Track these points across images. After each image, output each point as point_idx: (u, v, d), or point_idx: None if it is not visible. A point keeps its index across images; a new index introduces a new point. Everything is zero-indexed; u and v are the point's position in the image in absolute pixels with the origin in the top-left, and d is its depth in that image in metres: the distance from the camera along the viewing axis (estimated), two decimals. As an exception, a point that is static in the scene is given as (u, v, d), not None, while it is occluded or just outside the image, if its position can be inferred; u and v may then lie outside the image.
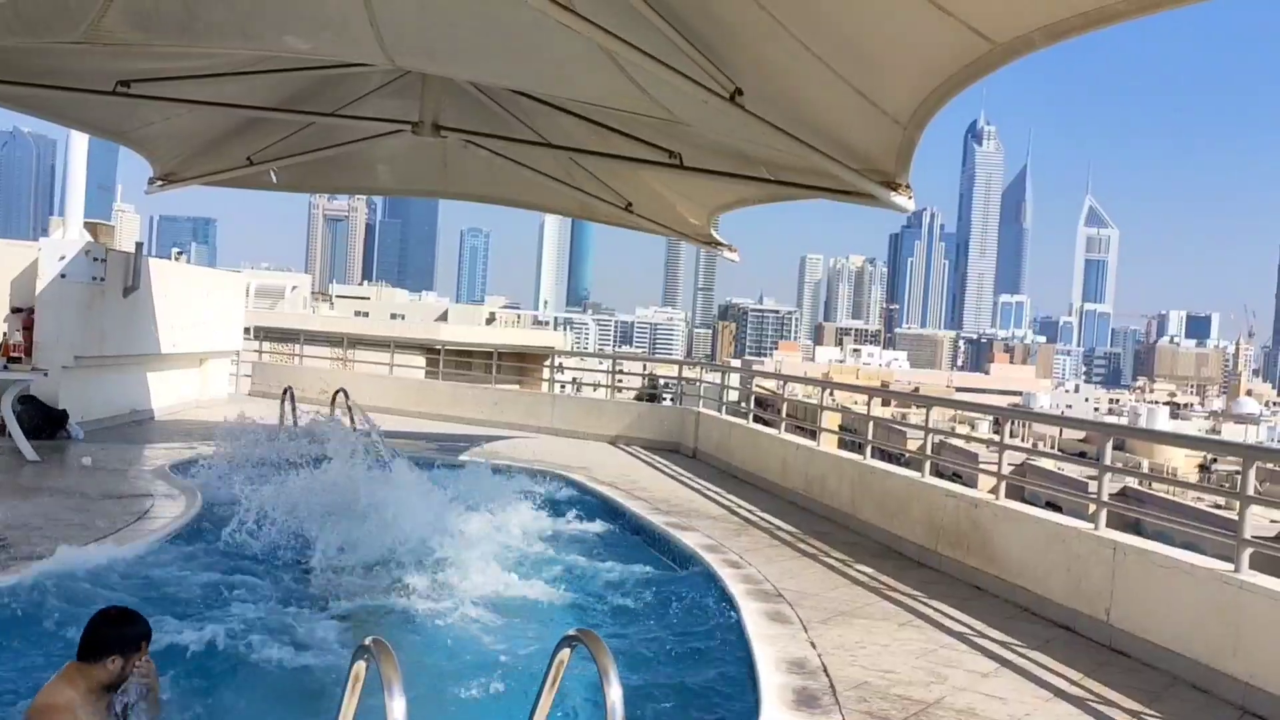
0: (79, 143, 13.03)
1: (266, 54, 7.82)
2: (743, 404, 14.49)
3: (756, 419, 13.33)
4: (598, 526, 9.62)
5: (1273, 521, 21.57)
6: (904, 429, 27.77)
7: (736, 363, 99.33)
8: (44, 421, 11.28)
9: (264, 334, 21.70)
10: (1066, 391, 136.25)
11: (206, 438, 12.36)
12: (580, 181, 10.66)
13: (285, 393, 11.55)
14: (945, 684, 5.35)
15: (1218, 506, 29.16)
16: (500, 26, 6.27)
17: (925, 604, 7.00)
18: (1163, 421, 71.11)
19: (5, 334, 11.58)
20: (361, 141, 10.37)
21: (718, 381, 15.62)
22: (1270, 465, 13.68)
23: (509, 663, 5.58)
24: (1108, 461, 7.36)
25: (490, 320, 64.87)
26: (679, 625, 6.97)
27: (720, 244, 11.40)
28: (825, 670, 5.39)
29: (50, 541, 6.75)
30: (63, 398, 11.74)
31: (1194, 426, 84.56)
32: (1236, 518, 5.96)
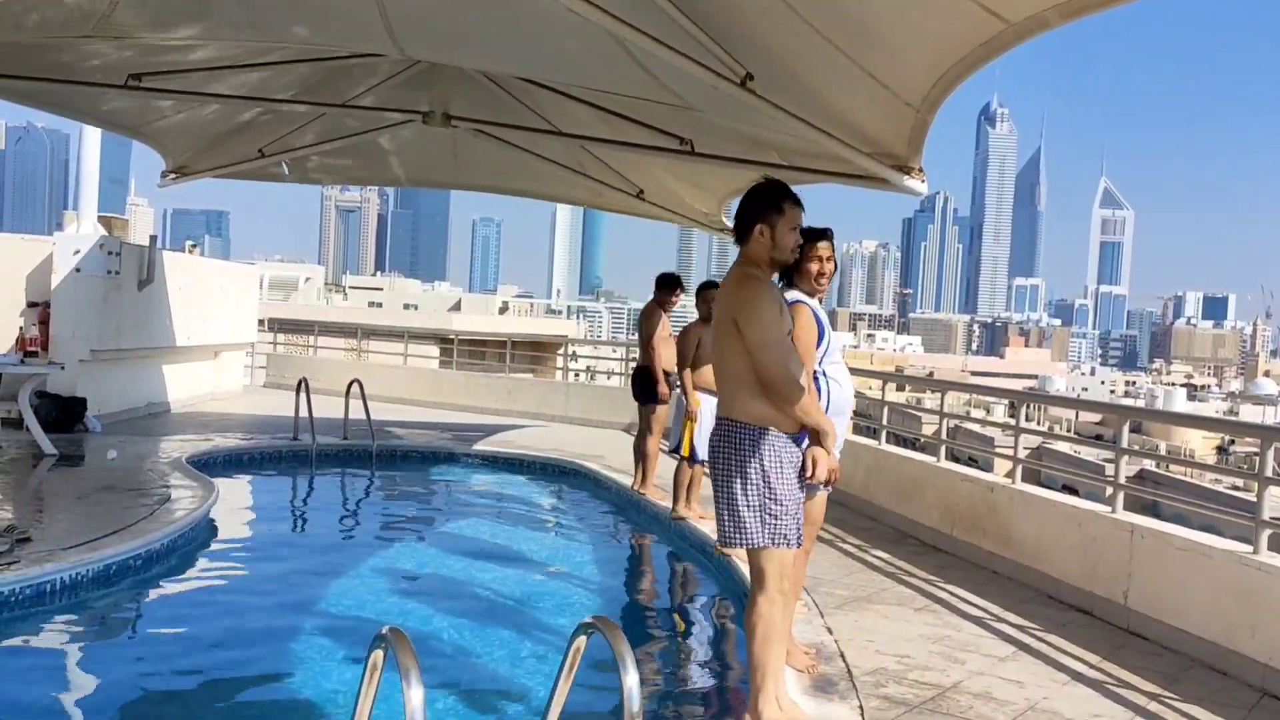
0: (92, 137, 13.06)
1: (276, 45, 7.82)
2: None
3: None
4: (614, 514, 9.64)
5: (1291, 503, 21.41)
6: (919, 414, 27.72)
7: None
8: (61, 414, 11.36)
9: (278, 326, 21.81)
10: (1082, 374, 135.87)
11: (222, 429, 12.46)
12: (591, 169, 10.65)
13: (300, 384, 11.59)
14: (962, 668, 5.35)
15: (1236, 488, 29.01)
16: (509, 14, 6.25)
17: (941, 588, 6.98)
18: (1180, 403, 70.79)
19: (22, 328, 11.66)
20: (372, 132, 10.38)
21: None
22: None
23: (526, 650, 5.60)
24: (1124, 444, 7.32)
25: (503, 310, 65.02)
26: (698, 612, 6.98)
27: (732, 230, 11.36)
28: (842, 655, 5.39)
29: (71, 535, 6.79)
30: (79, 391, 11.80)
31: (1211, 408, 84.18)
32: (1255, 499, 5.91)
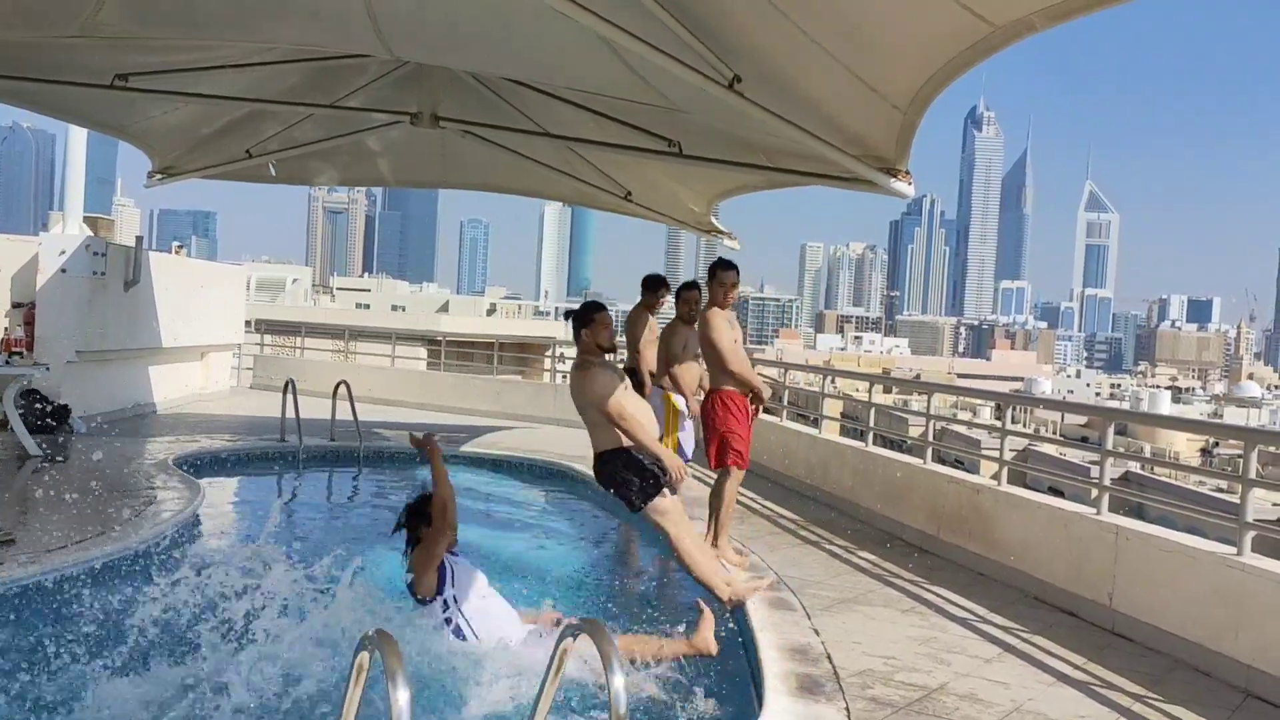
0: (78, 137, 13.01)
1: (264, 46, 7.79)
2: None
3: (758, 407, 13.29)
4: (600, 515, 9.63)
5: (1275, 505, 21.58)
6: (906, 416, 27.80)
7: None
8: (47, 416, 11.29)
9: (265, 327, 21.72)
10: (1068, 377, 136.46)
11: (209, 431, 12.41)
12: (579, 170, 10.64)
13: (287, 385, 11.55)
14: (948, 669, 5.37)
15: (1220, 490, 29.20)
16: (498, 16, 6.24)
17: (928, 590, 7.01)
18: (1165, 406, 71.15)
19: (7, 329, 11.59)
20: (360, 133, 10.36)
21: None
22: (1272, 448, 13.69)
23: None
24: (1109, 446, 7.36)
25: (491, 311, 64.88)
26: (685, 613, 6.97)
27: (720, 232, 11.38)
28: (828, 657, 5.41)
29: (55, 537, 6.75)
30: (65, 392, 11.75)
31: (1196, 410, 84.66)
32: (1238, 501, 5.95)
